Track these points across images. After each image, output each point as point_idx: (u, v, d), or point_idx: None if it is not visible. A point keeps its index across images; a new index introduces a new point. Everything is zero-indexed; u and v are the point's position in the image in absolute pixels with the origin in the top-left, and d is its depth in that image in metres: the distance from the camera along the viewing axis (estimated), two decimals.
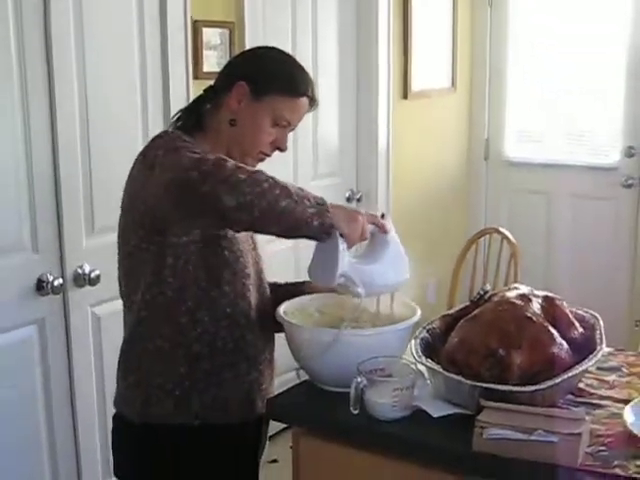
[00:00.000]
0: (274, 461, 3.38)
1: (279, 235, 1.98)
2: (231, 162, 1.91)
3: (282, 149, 2.23)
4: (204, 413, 2.14)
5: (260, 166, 2.27)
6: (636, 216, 5.42)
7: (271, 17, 4.16)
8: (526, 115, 5.91)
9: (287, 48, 4.20)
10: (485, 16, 5.85)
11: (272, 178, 1.91)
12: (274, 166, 2.26)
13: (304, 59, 4.35)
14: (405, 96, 5.17)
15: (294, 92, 2.17)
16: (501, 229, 4.44)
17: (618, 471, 1.69)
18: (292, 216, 1.87)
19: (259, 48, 2.38)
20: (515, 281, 4.05)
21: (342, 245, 1.95)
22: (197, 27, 3.67)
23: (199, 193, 1.86)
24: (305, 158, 4.54)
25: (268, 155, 2.24)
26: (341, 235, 1.94)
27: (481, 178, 6.03)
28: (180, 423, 2.13)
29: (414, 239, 5.29)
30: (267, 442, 2.44)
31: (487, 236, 4.60)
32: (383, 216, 2.12)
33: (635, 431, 1.73)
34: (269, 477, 2.53)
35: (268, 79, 2.16)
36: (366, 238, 2.03)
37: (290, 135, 2.24)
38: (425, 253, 5.40)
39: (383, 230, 2.08)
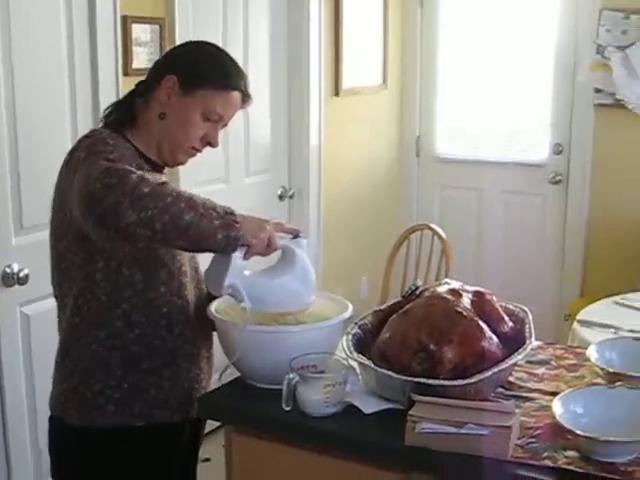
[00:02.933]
0: (207, 460, 3.36)
1: (185, 249, 1.97)
2: (137, 174, 1.86)
3: (213, 145, 2.21)
4: (146, 413, 2.13)
5: (192, 162, 2.26)
6: (564, 212, 5.51)
7: (202, 13, 4.13)
8: (457, 112, 5.95)
9: (218, 44, 4.19)
10: (416, 14, 5.88)
11: (177, 191, 1.88)
12: (206, 164, 2.25)
13: (235, 56, 4.30)
14: (336, 93, 5.18)
15: (225, 86, 2.15)
16: (432, 225, 4.47)
17: (547, 462, 1.72)
18: (197, 230, 1.85)
19: (191, 42, 2.36)
20: (446, 276, 4.07)
21: (238, 254, 1.94)
22: (126, 23, 3.62)
23: (102, 206, 1.82)
24: (237, 155, 4.52)
25: (199, 150, 2.22)
26: (247, 245, 1.94)
27: (413, 175, 6.06)
28: (122, 425, 2.12)
29: (346, 235, 5.35)
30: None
31: (419, 232, 4.63)
32: (297, 237, 2.11)
33: (564, 423, 1.75)
34: (202, 476, 2.52)
35: (198, 73, 2.14)
36: (275, 248, 2.02)
37: (222, 132, 2.23)
38: (357, 249, 5.44)
39: (290, 231, 2.09)
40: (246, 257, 1.97)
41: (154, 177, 1.94)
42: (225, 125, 2.22)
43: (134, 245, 2.03)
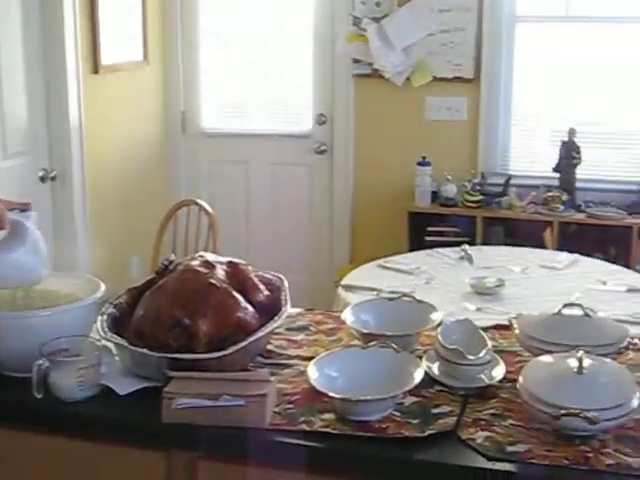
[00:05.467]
0: None
1: None
2: None
3: None
4: None
5: None
6: (330, 181, 5.62)
7: None
8: (222, 86, 5.94)
9: None
10: None
11: None
12: None
13: None
14: (96, 71, 5.04)
15: None
16: (198, 200, 4.44)
17: (304, 427, 1.73)
18: None
19: None
20: (214, 251, 4.06)
21: None
22: None
23: None
24: None
25: None
26: None
27: (179, 151, 5.99)
28: None
29: (114, 216, 5.24)
30: None
31: (186, 208, 4.59)
32: (25, 210, 2.03)
33: (318, 386, 1.77)
34: None
35: None
36: (4, 224, 1.94)
37: None
38: (127, 229, 5.34)
39: (19, 206, 2.02)
40: None
41: None
42: None
43: None
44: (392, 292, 3.15)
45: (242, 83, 5.84)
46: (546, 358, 1.87)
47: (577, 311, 2.12)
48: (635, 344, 2.12)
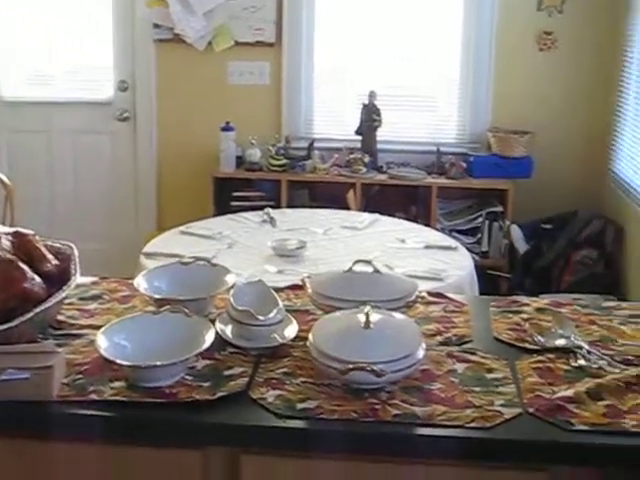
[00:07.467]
0: None
1: None
2: None
3: None
4: None
5: None
6: (134, 148, 5.54)
7: None
8: (21, 53, 5.71)
9: None
10: None
11: None
12: None
13: None
14: None
15: None
16: None
17: (94, 396, 1.70)
18: None
19: None
20: (12, 223, 3.93)
21: None
22: None
23: None
24: None
25: None
26: None
27: None
28: None
29: None
30: None
31: None
32: None
33: (106, 355, 1.74)
34: None
35: None
36: None
37: None
38: None
39: None
40: None
41: None
42: None
43: None
44: (194, 257, 3.16)
45: (41, 49, 5.64)
46: (335, 315, 1.91)
47: (368, 268, 2.17)
48: (423, 297, 2.19)
